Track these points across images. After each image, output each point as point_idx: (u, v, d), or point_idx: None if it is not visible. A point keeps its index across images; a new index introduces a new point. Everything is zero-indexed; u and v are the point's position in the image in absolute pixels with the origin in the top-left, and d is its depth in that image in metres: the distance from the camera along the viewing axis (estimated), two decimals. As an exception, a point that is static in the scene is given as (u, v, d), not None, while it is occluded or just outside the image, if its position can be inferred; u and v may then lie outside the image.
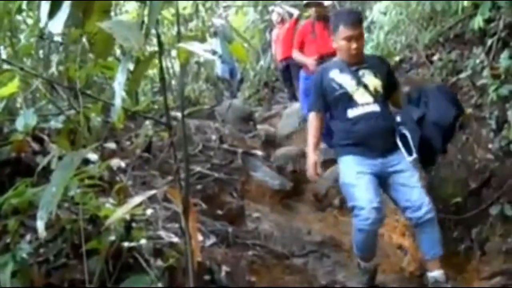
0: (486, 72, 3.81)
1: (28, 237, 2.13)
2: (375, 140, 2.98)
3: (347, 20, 3.06)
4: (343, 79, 3.06)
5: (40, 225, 1.39)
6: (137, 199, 1.64)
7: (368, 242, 2.97)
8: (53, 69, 2.73)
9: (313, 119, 3.19)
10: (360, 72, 3.09)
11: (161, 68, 1.58)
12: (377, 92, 3.05)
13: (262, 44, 11.40)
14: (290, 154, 5.48)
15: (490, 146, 3.65)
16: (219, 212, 3.56)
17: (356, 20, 3.10)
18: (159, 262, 2.19)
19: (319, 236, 4.13)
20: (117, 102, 1.24)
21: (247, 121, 6.36)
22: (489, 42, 3.97)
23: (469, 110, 3.97)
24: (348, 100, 3.02)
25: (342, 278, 3.41)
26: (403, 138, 3.02)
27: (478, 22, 3.88)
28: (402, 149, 3.00)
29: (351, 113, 3.01)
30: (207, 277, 2.35)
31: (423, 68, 5.20)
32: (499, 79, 3.64)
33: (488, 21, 3.92)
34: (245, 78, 11.53)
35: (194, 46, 1.45)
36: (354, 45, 3.02)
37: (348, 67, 3.09)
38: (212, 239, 2.76)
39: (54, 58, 2.92)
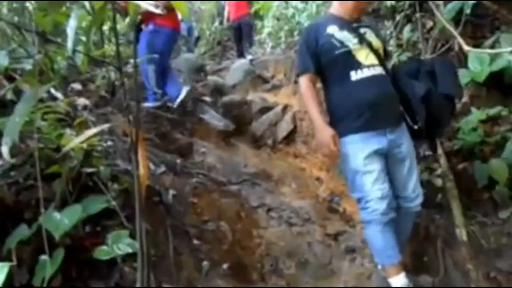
0: (392, 42, 3.89)
1: (-1, 162, 2.04)
2: (382, 108, 2.12)
3: None
4: (344, 36, 2.16)
5: (4, 149, 1.36)
6: (93, 130, 1.60)
7: (384, 238, 2.14)
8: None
9: (306, 86, 2.21)
10: (362, 30, 2.23)
11: (113, 18, 1.50)
12: (380, 54, 2.24)
13: (217, 8, 11.06)
14: (234, 101, 5.46)
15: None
16: (171, 147, 3.54)
17: None
18: (116, 186, 2.18)
19: (254, 169, 4.21)
20: (69, 44, 1.18)
21: (199, 72, 6.23)
22: (398, 17, 4.02)
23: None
24: (350, 60, 2.15)
25: (269, 201, 3.52)
26: (408, 108, 2.26)
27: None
28: (407, 118, 2.27)
29: (355, 75, 2.13)
30: (156, 199, 2.36)
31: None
32: (401, 48, 3.74)
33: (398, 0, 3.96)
34: (202, 36, 11.26)
35: (141, 1, 1.39)
36: None
37: (348, 23, 2.22)
38: (162, 168, 2.75)
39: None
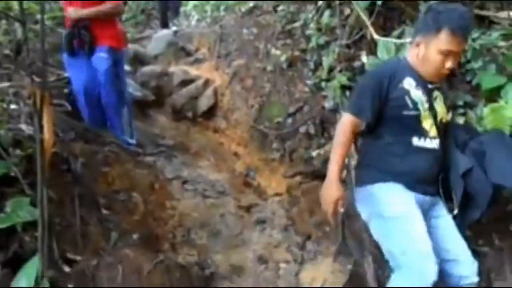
0: (312, 25, 4.02)
1: None
2: (430, 180, 1.90)
3: (459, 25, 1.76)
4: (418, 97, 1.86)
5: None
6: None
7: None
8: None
9: (345, 129, 1.85)
10: (434, 94, 1.93)
11: (16, -31, 1.37)
12: (443, 125, 1.95)
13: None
14: (154, 72, 5.28)
15: (308, 82, 3.95)
16: (83, 114, 3.34)
17: (468, 29, 1.87)
18: (18, 151, 2.04)
19: (172, 141, 4.16)
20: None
21: (119, 39, 5.91)
22: (319, 2, 4.15)
23: (297, 53, 4.20)
24: (416, 125, 1.87)
25: (185, 174, 3.52)
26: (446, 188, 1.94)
27: (314, -16, 4.02)
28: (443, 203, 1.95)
29: (417, 142, 1.86)
30: (63, 166, 2.24)
31: (270, 15, 5.27)
32: (320, 31, 3.88)
33: (321, -16, 4.08)
34: (125, 3, 10.64)
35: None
36: (449, 64, 1.80)
37: (425, 81, 1.90)
38: (72, 135, 2.60)
39: None
